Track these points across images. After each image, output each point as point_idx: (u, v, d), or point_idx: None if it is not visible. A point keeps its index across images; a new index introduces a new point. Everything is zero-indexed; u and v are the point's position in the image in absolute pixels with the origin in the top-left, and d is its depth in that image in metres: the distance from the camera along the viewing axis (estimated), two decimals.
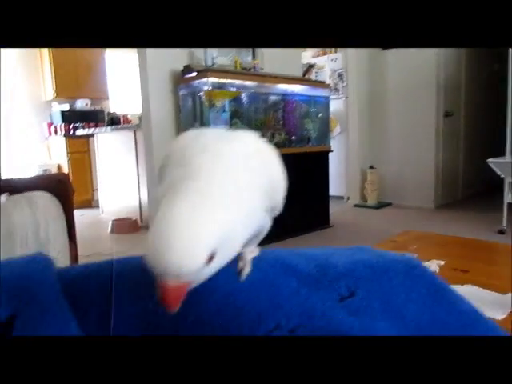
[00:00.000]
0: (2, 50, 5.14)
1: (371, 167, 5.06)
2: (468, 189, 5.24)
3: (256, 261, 0.48)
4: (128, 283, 0.44)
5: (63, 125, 5.60)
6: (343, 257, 0.52)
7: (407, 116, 4.88)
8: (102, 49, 5.99)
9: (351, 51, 5.10)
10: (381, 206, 4.96)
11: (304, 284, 0.46)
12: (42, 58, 5.69)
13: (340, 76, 5.37)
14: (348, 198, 5.33)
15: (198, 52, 3.57)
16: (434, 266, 1.15)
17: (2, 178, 2.81)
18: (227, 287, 0.44)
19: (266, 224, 0.48)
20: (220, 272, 0.41)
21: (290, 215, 3.45)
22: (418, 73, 4.73)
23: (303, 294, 0.45)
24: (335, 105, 5.16)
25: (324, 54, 5.62)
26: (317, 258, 0.51)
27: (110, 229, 4.06)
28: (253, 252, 0.49)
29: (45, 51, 5.60)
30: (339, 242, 3.45)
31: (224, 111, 3.46)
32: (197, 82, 3.36)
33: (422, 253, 1.37)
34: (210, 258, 0.37)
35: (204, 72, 3.29)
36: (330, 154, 4.12)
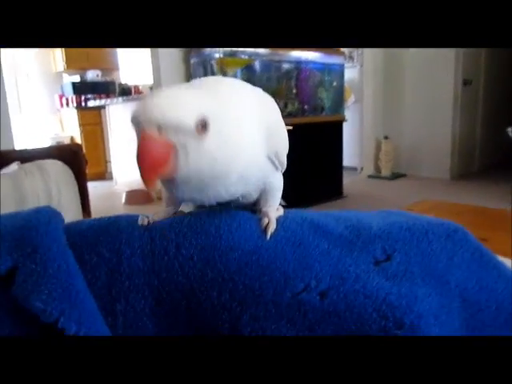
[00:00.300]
0: None
1: (386, 137, 4.97)
2: (485, 159, 5.13)
3: (282, 219, 0.45)
4: (138, 240, 0.42)
5: (74, 96, 5.58)
6: (377, 218, 0.49)
7: (424, 85, 4.75)
8: None
9: None
10: (395, 176, 4.89)
11: (335, 245, 0.43)
12: None
13: None
14: (362, 169, 5.27)
15: None
16: None
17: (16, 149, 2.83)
18: (250, 244, 0.41)
19: (274, 178, 0.47)
20: (242, 228, 0.40)
21: (303, 185, 3.44)
22: None
23: (335, 256, 0.42)
24: (350, 73, 5.03)
25: None
26: (347, 218, 0.48)
27: (123, 200, 4.08)
28: (277, 210, 0.47)
29: None
30: None
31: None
32: (208, 50, 3.29)
33: None
34: (202, 126, 0.36)
35: None
36: (344, 124, 4.05)
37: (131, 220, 0.44)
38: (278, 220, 0.44)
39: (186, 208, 0.48)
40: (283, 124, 0.48)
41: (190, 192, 0.40)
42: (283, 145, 0.47)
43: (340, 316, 0.38)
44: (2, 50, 2.84)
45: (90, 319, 0.36)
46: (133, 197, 4.08)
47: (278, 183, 0.48)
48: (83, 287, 0.38)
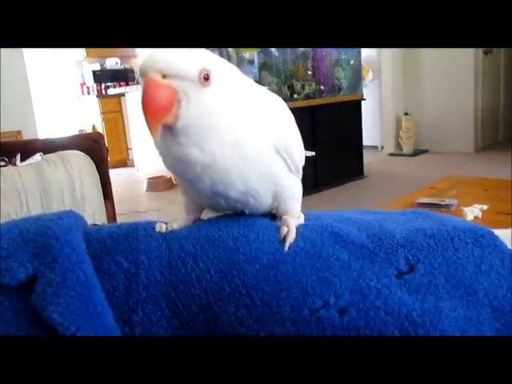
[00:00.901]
0: None
1: (406, 114, 4.87)
2: (509, 130, 4.98)
3: (301, 228, 0.44)
4: (156, 250, 0.42)
5: (95, 85, 5.65)
6: (400, 225, 0.47)
7: (443, 56, 4.59)
8: None
9: None
10: (417, 153, 4.80)
11: (356, 257, 0.42)
12: None
13: None
14: (382, 148, 5.20)
15: None
16: (476, 210, 1.11)
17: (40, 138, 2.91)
18: (268, 257, 0.40)
19: (289, 181, 0.46)
20: (260, 240, 0.40)
21: (324, 167, 3.42)
22: None
23: (356, 269, 0.40)
24: (366, 51, 4.92)
25: None
26: (370, 225, 0.46)
27: (145, 187, 4.15)
28: (297, 218, 0.46)
29: None
30: (374, 192, 3.40)
31: (252, 64, 3.39)
32: None
33: (463, 198, 1.32)
34: (205, 78, 0.38)
35: None
36: (363, 103, 3.99)
37: (150, 228, 0.44)
38: (297, 229, 0.43)
39: (205, 217, 0.48)
40: (296, 128, 0.48)
41: (188, 147, 0.39)
42: (295, 144, 0.46)
43: (360, 334, 0.36)
44: None
45: (106, 333, 0.37)
46: (154, 184, 4.14)
47: (294, 189, 0.47)
48: (101, 299, 0.38)
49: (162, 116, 0.37)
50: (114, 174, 3.31)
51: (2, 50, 2.70)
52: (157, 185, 4.12)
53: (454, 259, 0.43)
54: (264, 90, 0.46)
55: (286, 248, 0.41)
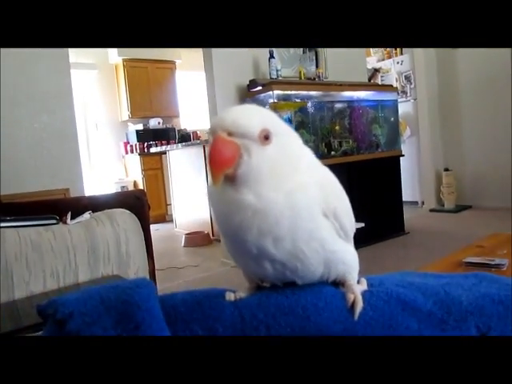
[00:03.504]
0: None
1: (446, 169, 4.81)
2: None
3: (367, 295, 0.44)
4: (229, 318, 0.43)
5: (138, 144, 5.92)
6: (465, 290, 0.46)
7: (482, 112, 4.58)
8: (173, 69, 6.28)
9: (418, 52, 4.91)
10: (460, 209, 4.68)
11: (426, 325, 0.41)
12: (118, 81, 6.07)
13: (407, 78, 5.19)
14: (423, 203, 5.10)
15: (263, 66, 3.62)
16: None
17: (86, 195, 3.03)
18: (339, 326, 0.41)
19: (341, 248, 0.46)
20: (329, 309, 0.40)
21: (365, 223, 3.38)
22: (492, 66, 4.43)
23: None
24: (404, 107, 4.98)
25: (389, 57, 5.46)
26: (434, 290, 0.46)
27: (183, 242, 4.20)
28: (361, 284, 0.47)
29: (120, 74, 5.97)
30: (417, 250, 3.30)
31: (290, 122, 3.48)
32: (262, 95, 3.40)
33: None
34: (265, 137, 0.42)
35: (269, 85, 3.33)
36: (402, 158, 3.98)
37: (220, 296, 0.46)
38: (363, 296, 0.44)
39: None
40: (344, 193, 0.49)
41: (244, 194, 0.42)
42: (343, 208, 0.47)
43: None
44: (76, 98, 3.09)
45: None
46: (192, 239, 4.19)
47: (345, 255, 0.47)
48: None
49: (225, 167, 0.41)
50: (153, 230, 3.37)
51: (55, 103, 2.89)
52: (194, 240, 4.17)
53: None
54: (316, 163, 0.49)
55: (356, 317, 0.41)
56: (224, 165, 0.41)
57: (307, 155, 0.48)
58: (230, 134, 0.41)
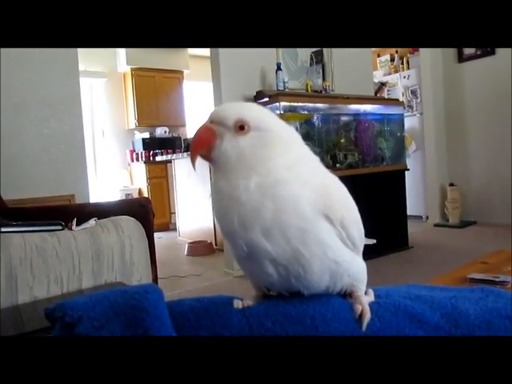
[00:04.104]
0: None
1: (451, 184, 4.80)
2: None
3: (375, 307, 0.44)
4: (237, 326, 0.43)
5: (144, 152, 5.95)
6: (472, 304, 0.46)
7: (488, 128, 4.59)
8: (180, 79, 6.33)
9: (424, 67, 4.94)
10: (464, 224, 4.65)
11: None
12: (125, 89, 6.12)
13: (413, 93, 5.21)
14: (427, 218, 5.08)
15: (270, 78, 3.65)
16: None
17: (91, 201, 3.04)
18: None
19: (348, 258, 0.46)
20: (336, 319, 0.40)
21: (366, 236, 3.37)
22: (497, 81, 4.45)
23: None
24: (409, 122, 4.99)
25: (396, 71, 5.49)
26: (441, 303, 0.46)
27: (186, 251, 4.20)
28: (368, 295, 0.47)
29: (128, 82, 6.03)
30: (420, 264, 3.28)
31: None
32: (269, 106, 3.42)
33: None
34: (240, 128, 0.46)
35: (275, 96, 3.35)
36: (407, 173, 3.98)
37: (228, 303, 0.46)
38: (370, 307, 0.44)
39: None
40: (353, 203, 0.50)
41: (219, 180, 0.47)
42: (351, 218, 0.47)
43: None
44: (84, 106, 3.12)
45: None
46: (194, 248, 4.19)
47: (351, 266, 0.47)
48: None
49: (199, 148, 0.47)
50: (156, 238, 3.37)
51: (64, 110, 2.92)
52: (197, 249, 4.16)
53: None
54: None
55: (364, 328, 0.42)
56: (198, 146, 0.47)
57: (306, 158, 0.49)
58: (212, 121, 0.47)
